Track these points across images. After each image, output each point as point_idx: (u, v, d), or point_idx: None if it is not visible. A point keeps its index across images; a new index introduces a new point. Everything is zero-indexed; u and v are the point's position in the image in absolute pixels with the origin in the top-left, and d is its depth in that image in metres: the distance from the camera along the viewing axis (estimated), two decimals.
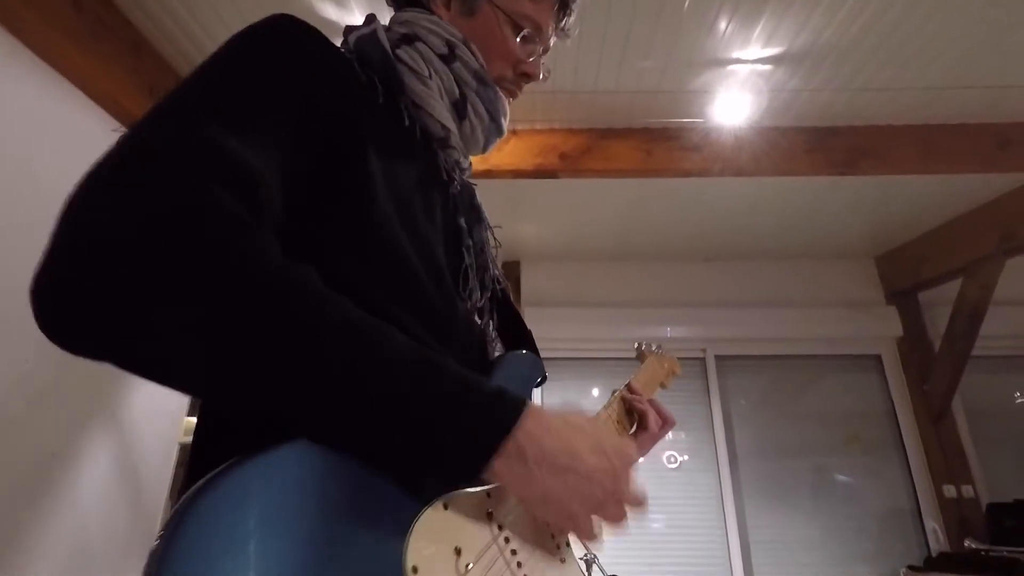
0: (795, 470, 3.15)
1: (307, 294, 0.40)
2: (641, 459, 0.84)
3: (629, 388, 0.88)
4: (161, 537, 0.32)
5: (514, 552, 0.50)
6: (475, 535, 0.47)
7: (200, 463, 0.47)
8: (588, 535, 0.48)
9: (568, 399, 3.26)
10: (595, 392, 3.38)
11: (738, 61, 2.03)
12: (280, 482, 0.37)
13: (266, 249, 0.40)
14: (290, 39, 0.54)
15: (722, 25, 1.87)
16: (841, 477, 3.14)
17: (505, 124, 0.75)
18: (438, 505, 0.45)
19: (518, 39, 0.72)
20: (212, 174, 0.40)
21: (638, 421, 0.84)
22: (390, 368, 0.41)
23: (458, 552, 0.44)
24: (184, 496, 0.34)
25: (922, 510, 2.99)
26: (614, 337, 3.27)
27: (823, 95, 2.19)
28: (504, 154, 2.36)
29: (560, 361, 3.27)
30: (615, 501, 0.48)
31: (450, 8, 0.72)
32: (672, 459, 3.15)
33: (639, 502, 0.51)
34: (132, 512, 1.87)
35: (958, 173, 2.37)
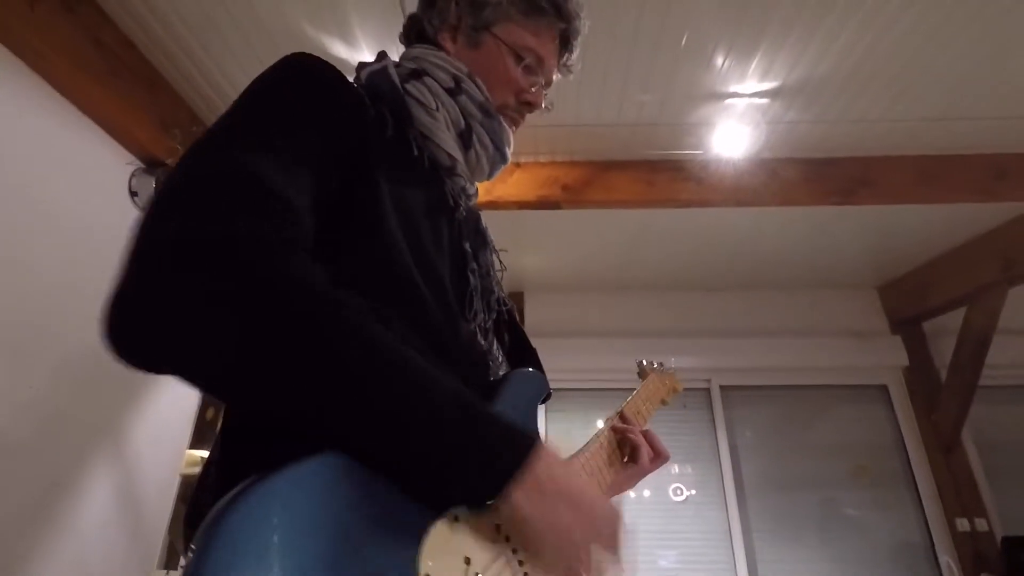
0: (804, 503, 3.09)
1: (348, 321, 0.44)
2: (631, 492, 0.84)
3: (621, 416, 0.88)
4: (192, 554, 0.34)
5: (521, 563, 0.51)
6: (485, 546, 0.48)
7: (224, 476, 0.49)
8: (588, 568, 0.51)
9: (573, 430, 3.23)
10: (599, 424, 3.32)
11: (735, 95, 2.08)
12: (300, 499, 0.39)
13: (308, 271, 0.44)
14: (308, 75, 0.58)
15: (719, 60, 1.93)
16: (851, 511, 3.08)
17: (509, 152, 0.78)
18: (449, 517, 0.47)
19: (520, 69, 0.76)
20: (247, 202, 0.45)
21: (630, 453, 0.83)
22: (432, 395, 0.45)
23: (468, 561, 0.46)
24: (211, 513, 0.36)
25: (935, 544, 2.92)
26: (618, 367, 3.24)
27: (820, 127, 2.24)
28: (508, 186, 2.40)
29: (564, 392, 3.25)
30: (610, 541, 0.52)
31: (456, 42, 0.77)
32: (679, 491, 3.10)
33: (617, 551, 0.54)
34: (131, 543, 1.85)
35: (952, 202, 2.39)
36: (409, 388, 0.44)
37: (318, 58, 0.60)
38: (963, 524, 2.90)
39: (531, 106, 0.79)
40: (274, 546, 0.36)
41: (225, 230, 0.42)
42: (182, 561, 0.36)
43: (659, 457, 0.84)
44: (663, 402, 1.02)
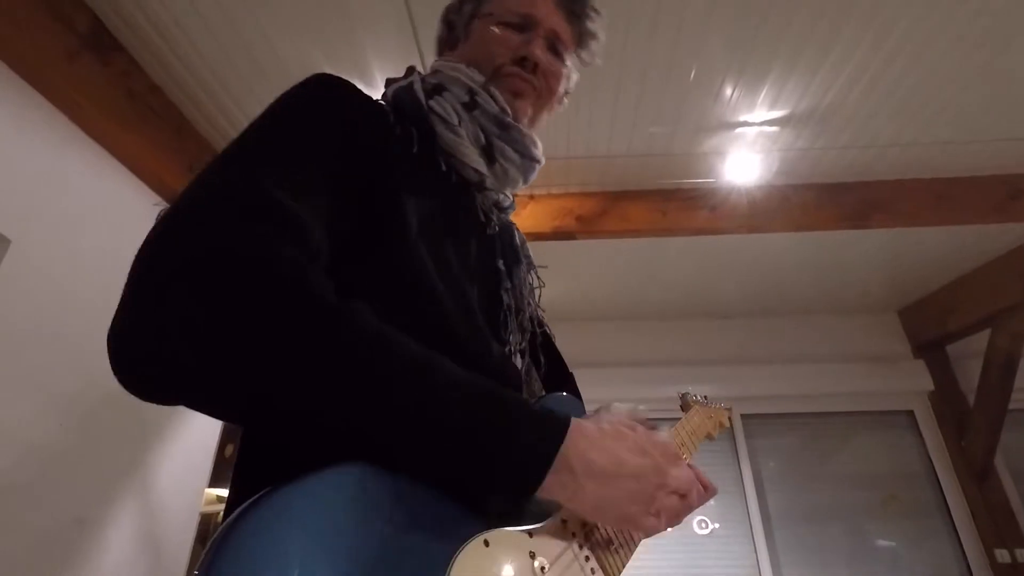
0: (833, 535, 3.00)
1: (365, 328, 0.43)
2: (670, 529, 0.80)
3: None
4: (202, 563, 0.33)
5: None
6: (518, 573, 0.46)
7: (241, 491, 0.48)
8: (650, 530, 0.52)
9: None
10: None
11: (745, 124, 2.12)
12: (316, 512, 0.36)
13: (325, 289, 0.43)
14: (329, 95, 0.58)
15: (728, 91, 1.97)
16: (883, 542, 2.97)
17: (538, 153, 0.75)
18: (479, 541, 0.44)
19: (503, 29, 0.75)
20: (269, 220, 0.43)
21: None
22: (450, 395, 0.43)
23: None
24: (224, 522, 0.34)
25: None
26: (637, 398, 3.20)
27: (831, 153, 2.26)
28: (522, 218, 2.44)
29: None
30: (666, 493, 0.52)
31: (456, 48, 0.79)
32: (703, 524, 3.02)
33: (689, 487, 0.55)
34: None
35: (970, 224, 2.38)
36: (432, 383, 0.43)
37: (340, 78, 0.59)
38: (1003, 555, 2.79)
39: (526, 60, 0.74)
40: (291, 554, 0.34)
41: (235, 245, 0.40)
42: None
43: (707, 492, 0.78)
44: (709, 437, 0.97)
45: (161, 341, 0.37)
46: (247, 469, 0.51)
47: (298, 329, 0.39)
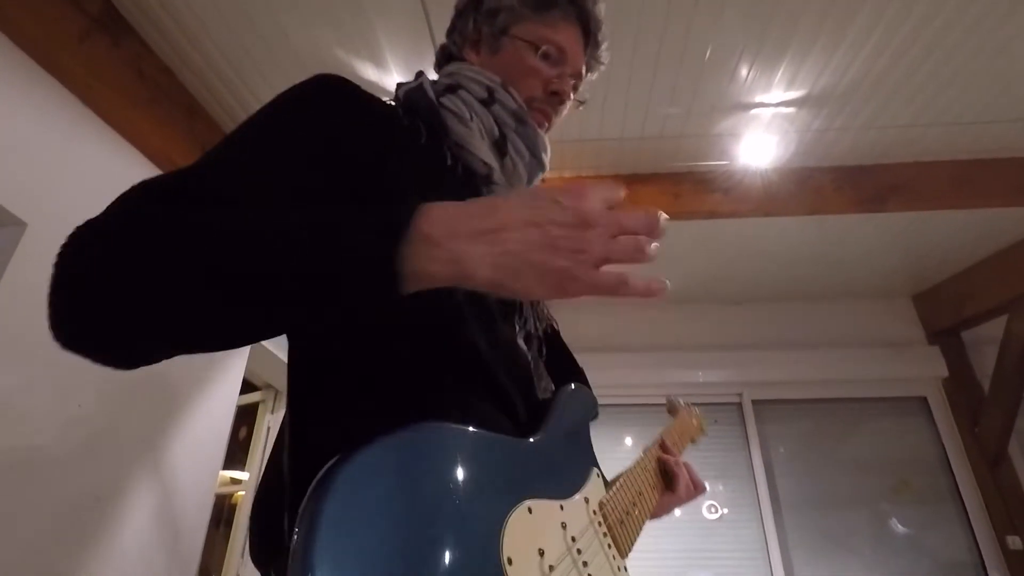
0: (844, 521, 2.99)
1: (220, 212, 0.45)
2: (661, 517, 0.86)
3: (662, 446, 0.90)
4: (299, 529, 0.35)
5: (585, 564, 0.53)
6: (554, 541, 0.50)
7: (302, 457, 0.49)
8: (583, 285, 0.43)
9: (600, 448, 3.19)
10: (628, 441, 3.30)
11: (761, 105, 2.08)
12: (392, 472, 0.40)
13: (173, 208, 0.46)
14: (324, 92, 0.59)
15: (743, 71, 1.94)
16: (894, 528, 2.97)
17: (547, 159, 0.79)
18: (524, 507, 0.48)
19: (539, 58, 0.77)
20: (162, 194, 0.47)
21: (670, 481, 0.85)
22: (291, 221, 0.43)
23: (541, 553, 0.48)
24: (313, 486, 0.37)
25: (986, 563, 2.80)
26: (646, 383, 3.22)
27: (848, 134, 2.22)
28: None
29: None
30: (577, 223, 0.42)
31: (480, 53, 0.80)
32: (713, 509, 3.03)
33: (595, 218, 0.43)
34: (169, 559, 1.87)
35: (990, 207, 2.34)
36: (277, 227, 0.42)
37: (341, 77, 0.61)
38: (1015, 542, 2.78)
39: (558, 96, 0.79)
40: (374, 513, 0.37)
41: (133, 206, 0.46)
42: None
43: (696, 489, 0.88)
44: (692, 441, 1.04)
45: (73, 312, 0.44)
46: (305, 421, 0.53)
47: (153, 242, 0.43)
